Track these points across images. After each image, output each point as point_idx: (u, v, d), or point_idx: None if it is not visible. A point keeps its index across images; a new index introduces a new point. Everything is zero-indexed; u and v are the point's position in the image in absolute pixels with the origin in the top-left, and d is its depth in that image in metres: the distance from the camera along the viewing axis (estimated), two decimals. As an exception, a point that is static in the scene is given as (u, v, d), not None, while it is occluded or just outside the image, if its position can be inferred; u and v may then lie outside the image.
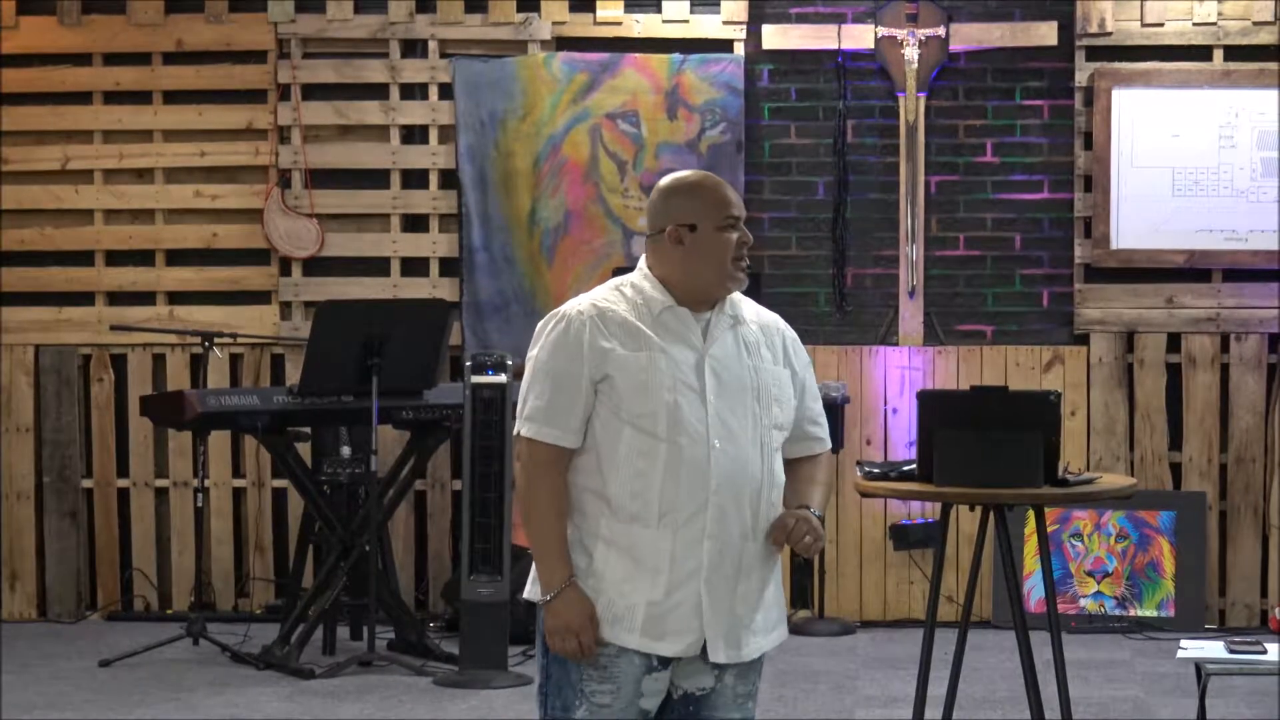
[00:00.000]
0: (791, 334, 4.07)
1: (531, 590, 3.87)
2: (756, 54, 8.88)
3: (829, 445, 4.06)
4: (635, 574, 3.79)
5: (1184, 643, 6.14)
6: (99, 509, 9.09)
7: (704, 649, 3.82)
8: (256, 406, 7.84)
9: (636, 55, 8.89)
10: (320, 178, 9.01)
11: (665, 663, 3.83)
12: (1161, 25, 8.76)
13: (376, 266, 9.04)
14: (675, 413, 3.77)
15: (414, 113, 9.00)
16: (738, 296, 3.96)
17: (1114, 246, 8.74)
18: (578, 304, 3.86)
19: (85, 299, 9.10)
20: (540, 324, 3.89)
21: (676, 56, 8.87)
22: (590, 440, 3.81)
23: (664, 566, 3.78)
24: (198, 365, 8.74)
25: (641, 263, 3.94)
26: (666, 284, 3.87)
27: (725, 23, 8.88)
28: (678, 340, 3.83)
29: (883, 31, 8.78)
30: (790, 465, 3.97)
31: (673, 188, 3.91)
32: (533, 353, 3.86)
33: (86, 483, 9.09)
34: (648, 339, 3.81)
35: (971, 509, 5.92)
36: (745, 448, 3.82)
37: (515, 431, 3.86)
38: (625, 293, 3.88)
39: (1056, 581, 8.12)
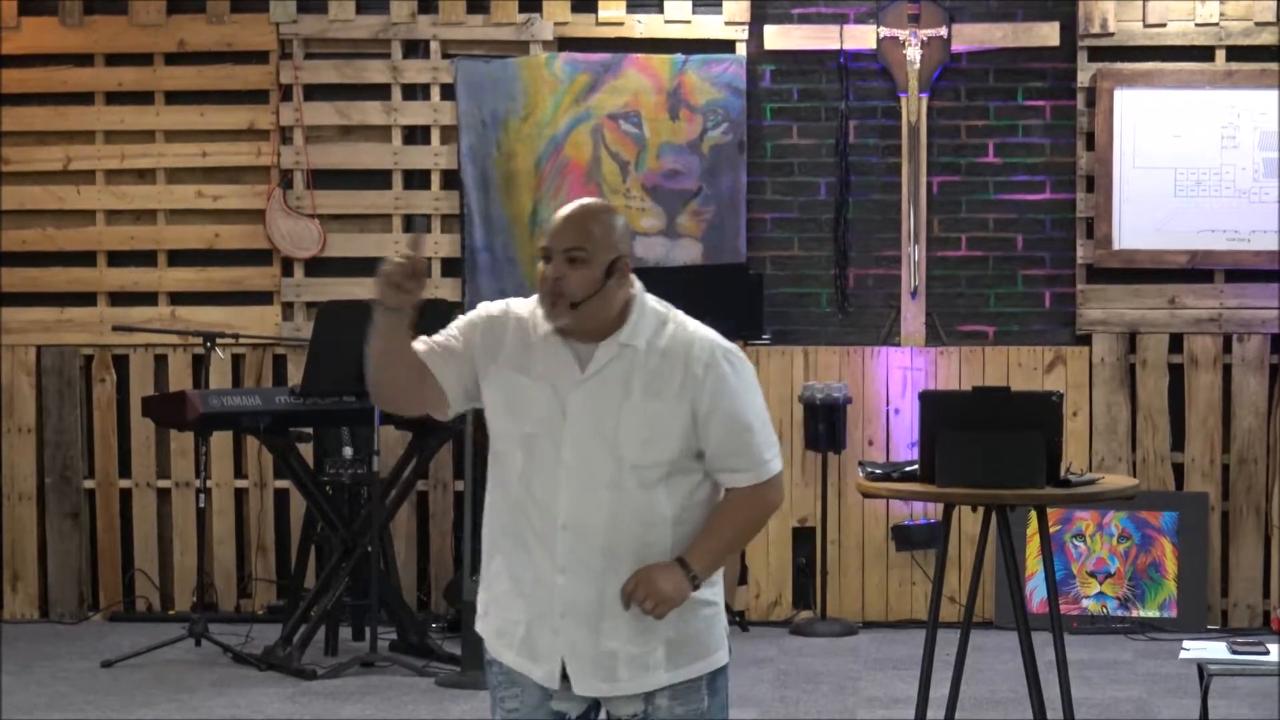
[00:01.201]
0: (702, 366, 3.73)
1: None
2: (758, 54, 8.88)
3: (755, 478, 3.78)
4: (513, 591, 3.82)
5: (1186, 643, 6.15)
6: (101, 509, 9.09)
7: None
8: (258, 407, 7.84)
9: (638, 56, 8.89)
10: (322, 178, 9.01)
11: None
12: (1163, 26, 8.76)
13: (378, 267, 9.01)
14: (531, 444, 3.75)
15: (416, 113, 9.00)
16: (649, 320, 3.77)
17: (1116, 247, 8.73)
18: (506, 303, 3.86)
19: (87, 299, 9.10)
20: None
21: (678, 57, 8.86)
22: (492, 444, 3.86)
23: (531, 590, 3.79)
24: (199, 366, 8.74)
25: None
26: None
27: (727, 23, 8.88)
28: (552, 369, 3.75)
29: (884, 32, 8.78)
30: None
31: None
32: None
33: (88, 483, 9.09)
34: (529, 364, 3.77)
35: (974, 510, 5.93)
36: (598, 487, 3.71)
37: None
38: (535, 310, 3.81)
39: (1059, 582, 8.12)
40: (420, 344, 3.83)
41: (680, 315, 3.83)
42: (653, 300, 3.83)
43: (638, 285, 3.82)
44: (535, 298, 3.82)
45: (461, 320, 3.87)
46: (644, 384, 3.73)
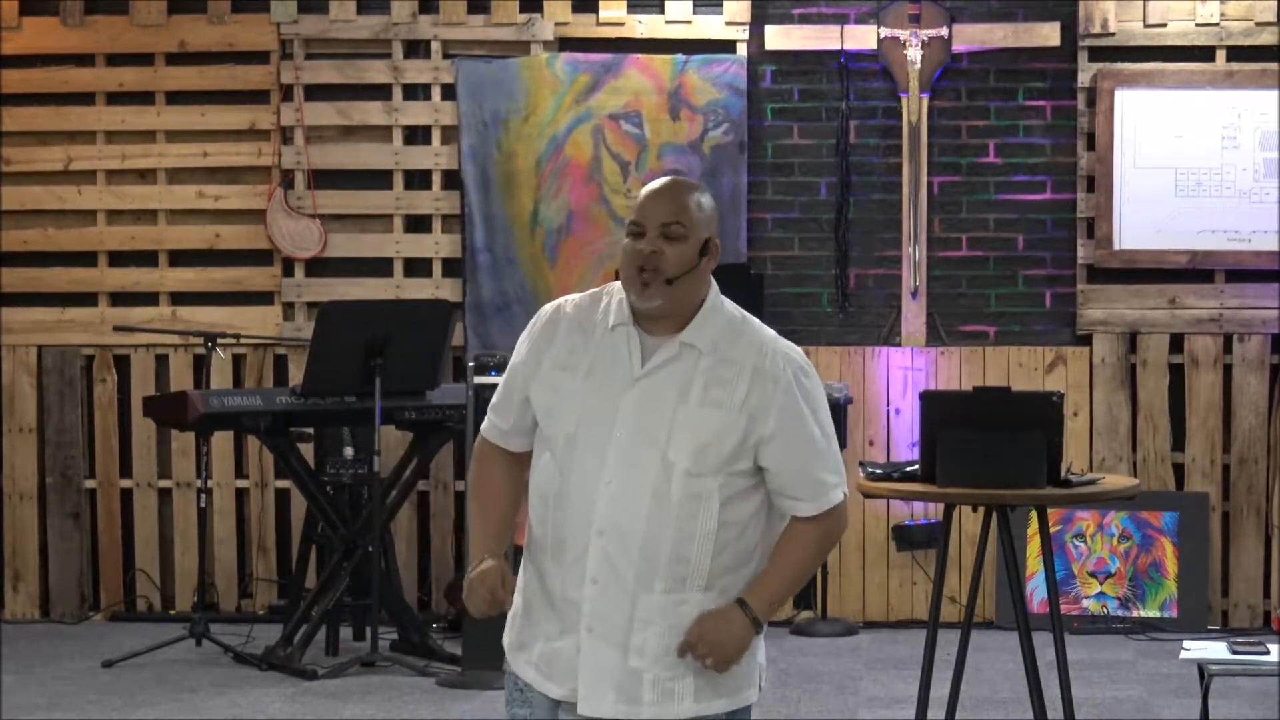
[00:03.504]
0: (773, 383, 3.57)
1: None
2: (759, 54, 8.88)
3: (817, 508, 3.62)
4: (540, 605, 3.68)
5: (1187, 643, 6.15)
6: (102, 509, 9.09)
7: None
8: (259, 407, 7.84)
9: (639, 56, 8.89)
10: (323, 178, 9.01)
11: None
12: (1164, 26, 8.76)
13: (379, 267, 9.04)
14: (572, 443, 3.59)
15: (417, 113, 9.00)
16: (724, 321, 3.62)
17: (1116, 247, 8.73)
18: (561, 301, 3.73)
19: (88, 299, 9.10)
20: None
21: (679, 57, 8.87)
22: (534, 454, 3.73)
23: (558, 603, 3.63)
24: (200, 366, 8.75)
25: None
26: None
27: (728, 23, 8.88)
28: (610, 364, 3.60)
29: (885, 32, 8.78)
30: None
31: None
32: None
33: (89, 483, 9.09)
34: (582, 358, 3.62)
35: (974, 510, 5.93)
36: (642, 492, 3.54)
37: None
38: (601, 301, 3.69)
39: (1059, 582, 8.13)
40: (492, 435, 3.78)
41: (756, 322, 3.67)
42: (729, 304, 3.67)
43: (714, 286, 3.67)
44: (594, 292, 3.71)
45: (515, 356, 3.73)
46: (703, 388, 3.57)
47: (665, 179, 3.68)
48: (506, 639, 3.78)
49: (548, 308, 3.74)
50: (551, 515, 3.62)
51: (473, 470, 3.82)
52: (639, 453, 3.56)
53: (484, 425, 3.80)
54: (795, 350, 3.65)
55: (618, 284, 3.69)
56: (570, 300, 3.73)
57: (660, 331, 3.61)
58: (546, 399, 3.65)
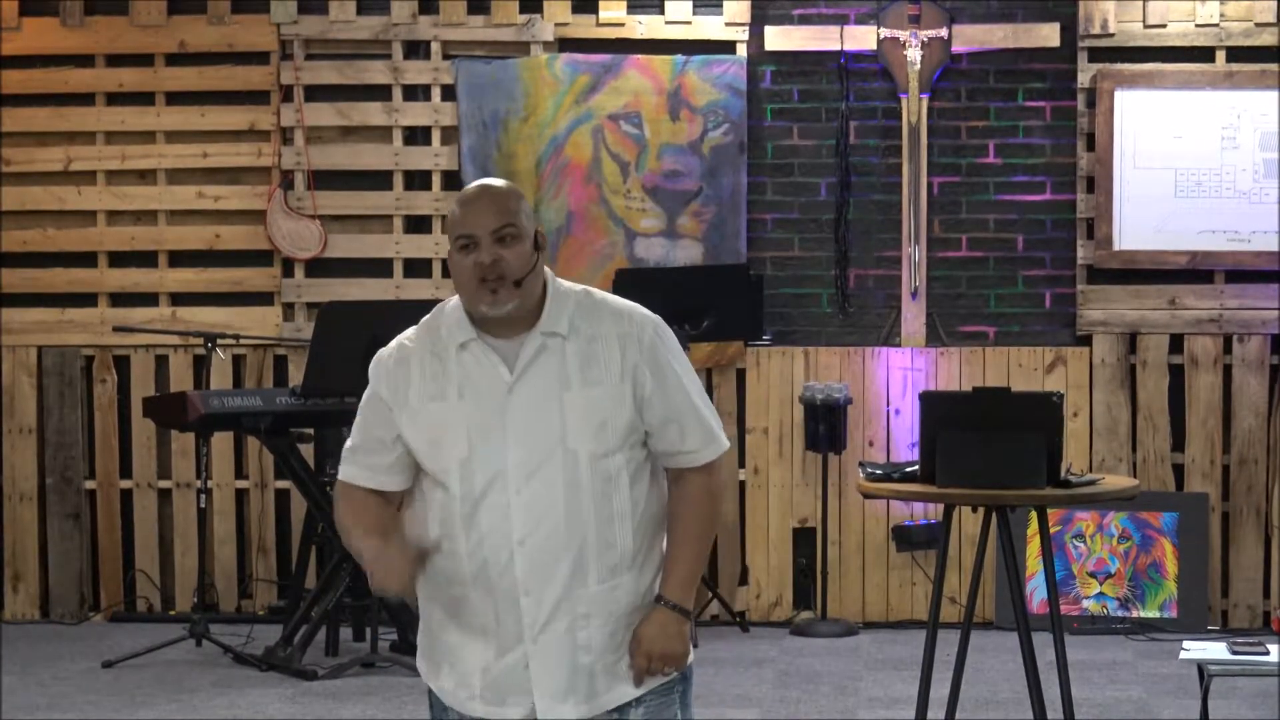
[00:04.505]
0: (637, 345, 3.60)
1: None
2: (759, 55, 8.88)
3: (711, 454, 3.65)
4: (467, 638, 3.65)
5: (1186, 644, 6.15)
6: (102, 510, 9.09)
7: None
8: (259, 407, 7.85)
9: (639, 56, 8.89)
10: (323, 179, 9.01)
11: None
12: (1164, 26, 8.76)
13: (379, 268, 9.04)
14: (469, 465, 3.55)
15: (416, 114, 9.00)
16: (573, 302, 3.61)
17: (1116, 247, 8.74)
18: (391, 346, 3.67)
19: (88, 300, 9.10)
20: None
21: (679, 58, 8.87)
22: (419, 493, 3.67)
23: (490, 627, 3.60)
24: (200, 366, 8.75)
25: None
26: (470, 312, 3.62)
27: (728, 24, 8.89)
28: (477, 381, 3.58)
29: (885, 33, 8.79)
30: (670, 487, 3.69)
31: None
32: None
33: (89, 484, 9.09)
34: (444, 385, 3.59)
35: (974, 510, 5.93)
36: (554, 491, 3.54)
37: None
38: (438, 327, 3.64)
39: (1059, 582, 8.13)
40: (361, 479, 3.69)
41: (598, 292, 3.68)
42: (567, 284, 3.66)
43: (549, 272, 3.66)
44: (423, 323, 3.66)
45: (366, 405, 3.69)
46: (580, 370, 3.56)
47: (475, 187, 3.64)
48: (438, 686, 3.74)
49: (385, 356, 3.67)
50: (464, 543, 3.58)
51: (339, 509, 3.72)
52: (539, 453, 3.55)
53: (344, 473, 3.71)
54: (648, 312, 3.68)
55: (445, 304, 3.68)
56: (405, 337, 3.68)
57: (510, 334, 3.60)
58: (427, 432, 3.60)
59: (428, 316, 3.68)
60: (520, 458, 3.55)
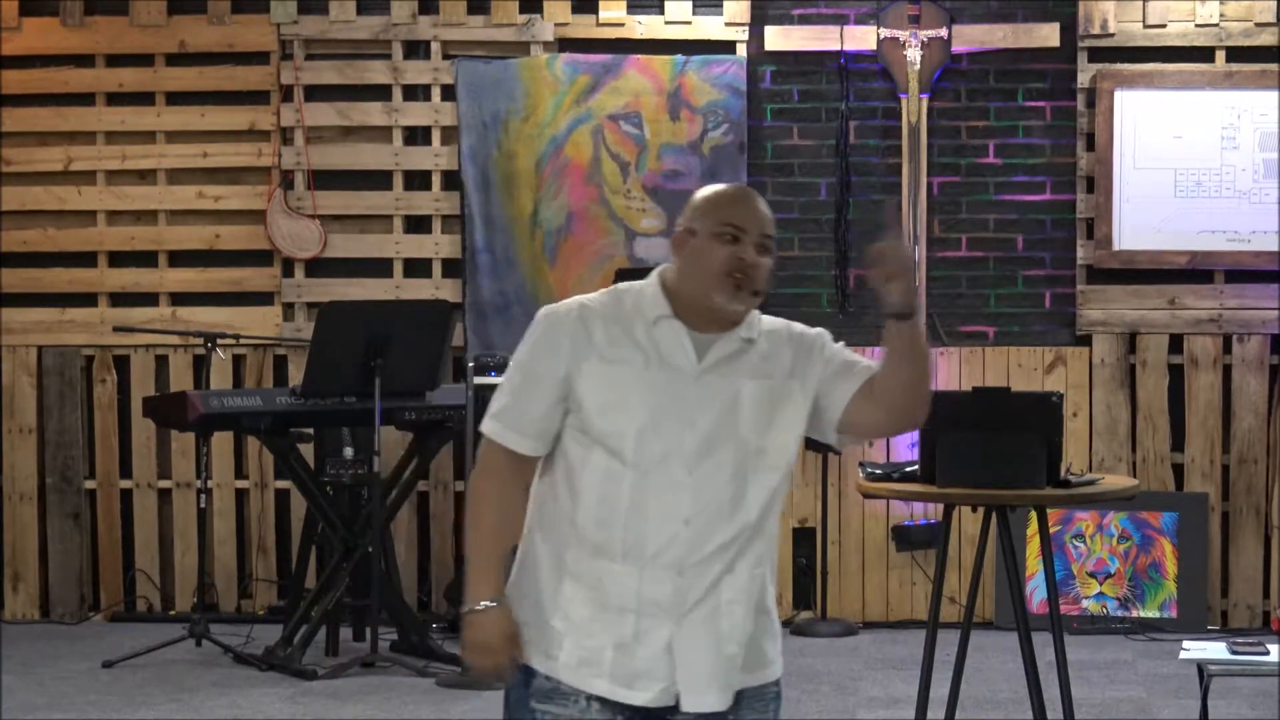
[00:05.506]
0: (807, 348, 3.68)
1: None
2: (759, 55, 8.88)
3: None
4: (602, 613, 3.53)
5: (1186, 644, 6.16)
6: (101, 510, 9.10)
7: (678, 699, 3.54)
8: (259, 407, 7.84)
9: (639, 56, 8.89)
10: (323, 179, 9.01)
11: (632, 717, 3.55)
12: (1164, 26, 8.76)
13: (379, 267, 9.04)
14: (645, 435, 3.51)
15: (416, 114, 9.00)
16: (759, 316, 3.65)
17: (1116, 247, 8.74)
18: (569, 302, 3.62)
19: (88, 300, 9.11)
20: (535, 318, 3.67)
21: (679, 58, 8.87)
22: (562, 457, 3.58)
23: (631, 605, 3.52)
24: (200, 366, 8.75)
25: (655, 271, 3.67)
26: (673, 294, 3.59)
27: (728, 24, 8.89)
28: (667, 356, 3.55)
29: (885, 33, 8.79)
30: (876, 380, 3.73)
31: (699, 193, 3.64)
32: (519, 348, 3.66)
33: (89, 484, 9.09)
34: (630, 351, 3.55)
35: (974, 510, 5.94)
36: (722, 479, 3.54)
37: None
38: (623, 299, 3.61)
39: (1059, 582, 8.12)
40: (510, 440, 3.59)
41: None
42: None
43: None
44: (607, 290, 3.64)
45: (531, 359, 3.60)
46: (755, 369, 3.60)
47: (737, 188, 3.68)
48: (559, 657, 3.57)
49: (565, 309, 3.62)
50: (625, 514, 3.52)
51: (481, 483, 3.61)
52: (715, 438, 3.55)
53: (494, 430, 3.60)
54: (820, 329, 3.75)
55: (635, 283, 3.67)
56: (588, 299, 3.65)
57: (706, 328, 3.59)
58: (606, 392, 3.54)
59: (607, 290, 3.66)
60: (698, 438, 3.54)
